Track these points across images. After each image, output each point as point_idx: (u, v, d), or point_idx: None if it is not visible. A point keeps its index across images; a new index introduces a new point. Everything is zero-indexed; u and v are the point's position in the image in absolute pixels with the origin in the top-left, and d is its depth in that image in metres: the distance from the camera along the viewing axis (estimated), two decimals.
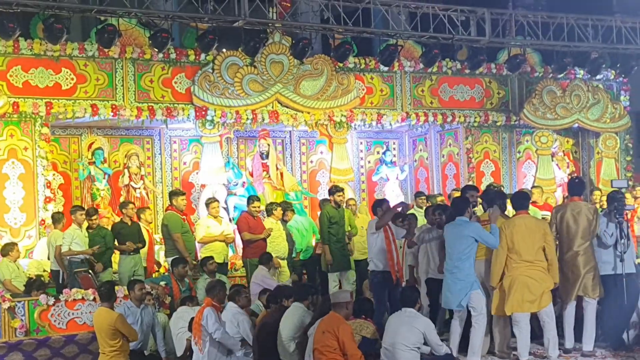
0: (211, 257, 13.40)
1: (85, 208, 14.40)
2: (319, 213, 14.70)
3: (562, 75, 17.97)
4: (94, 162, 15.72)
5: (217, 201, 14.59)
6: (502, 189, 15.78)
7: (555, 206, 13.44)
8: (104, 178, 15.74)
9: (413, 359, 9.51)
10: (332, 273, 13.67)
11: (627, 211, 11.23)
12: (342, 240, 13.86)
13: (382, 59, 16.16)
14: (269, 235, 14.10)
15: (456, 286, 10.34)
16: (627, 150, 19.01)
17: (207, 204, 14.52)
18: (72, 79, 14.55)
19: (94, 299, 11.79)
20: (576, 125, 18.30)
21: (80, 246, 13.24)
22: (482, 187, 16.67)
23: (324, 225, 13.90)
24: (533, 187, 16.67)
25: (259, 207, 14.35)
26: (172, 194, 14.38)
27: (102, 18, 14.19)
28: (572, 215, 10.84)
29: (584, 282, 10.72)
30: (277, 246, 14.19)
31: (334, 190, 14.30)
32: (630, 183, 16.56)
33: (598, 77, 18.33)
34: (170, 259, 13.39)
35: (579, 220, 10.80)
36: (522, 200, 10.88)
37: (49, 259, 13.74)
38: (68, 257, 13.16)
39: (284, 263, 14.32)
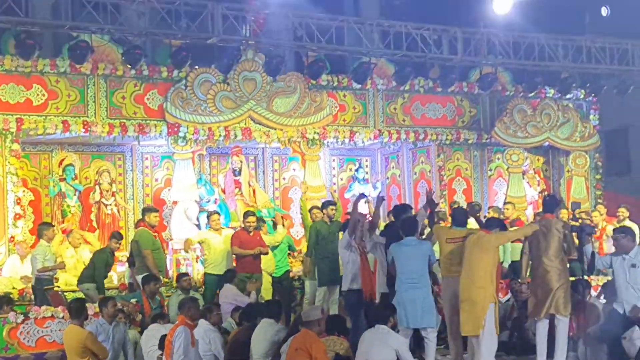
0: (186, 274, 13.37)
1: (54, 224, 14.39)
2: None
3: (532, 94, 18.12)
4: (65, 179, 15.64)
5: (218, 214, 14.48)
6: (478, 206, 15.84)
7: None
8: (75, 194, 15.66)
9: None
10: (320, 287, 13.60)
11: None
12: (331, 255, 13.60)
13: (355, 76, 16.23)
14: (262, 252, 14.02)
15: (427, 304, 10.50)
16: (597, 168, 19.18)
17: (208, 217, 14.47)
18: (44, 95, 14.49)
19: (64, 317, 11.69)
20: (547, 143, 18.46)
21: (51, 263, 13.14)
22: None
23: (311, 239, 13.83)
24: (505, 203, 16.81)
25: (253, 222, 14.19)
26: (145, 210, 14.31)
27: (75, 34, 14.14)
28: (543, 232, 10.92)
29: (556, 299, 10.77)
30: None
31: (327, 204, 14.23)
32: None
33: (568, 96, 18.49)
34: (141, 276, 13.29)
35: (549, 237, 10.86)
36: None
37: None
38: (37, 274, 13.05)
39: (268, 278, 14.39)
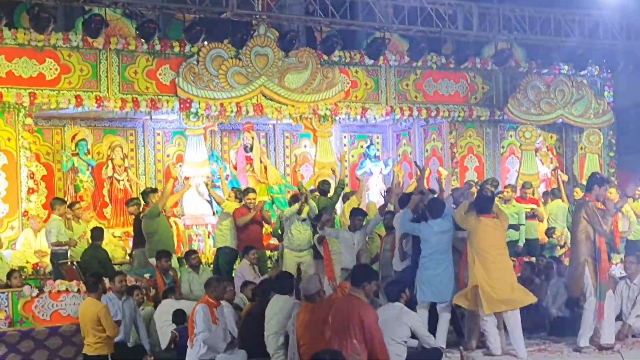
0: (194, 251, 13.27)
1: (66, 200, 14.32)
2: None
3: (546, 70, 17.98)
4: (78, 154, 15.65)
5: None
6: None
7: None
8: (87, 170, 15.68)
9: (401, 352, 9.47)
10: None
11: None
12: None
13: (368, 52, 16.13)
14: (265, 220, 14.13)
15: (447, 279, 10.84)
16: (611, 146, 19.07)
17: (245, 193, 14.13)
18: (56, 69, 14.43)
19: (78, 291, 11.69)
20: (560, 120, 18.32)
21: (65, 238, 13.17)
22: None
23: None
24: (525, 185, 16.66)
25: (254, 198, 14.07)
26: (145, 193, 14.15)
27: (88, 8, 14.07)
28: None
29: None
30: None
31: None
32: None
33: (582, 72, 18.35)
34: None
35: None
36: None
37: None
38: (52, 249, 13.07)
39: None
